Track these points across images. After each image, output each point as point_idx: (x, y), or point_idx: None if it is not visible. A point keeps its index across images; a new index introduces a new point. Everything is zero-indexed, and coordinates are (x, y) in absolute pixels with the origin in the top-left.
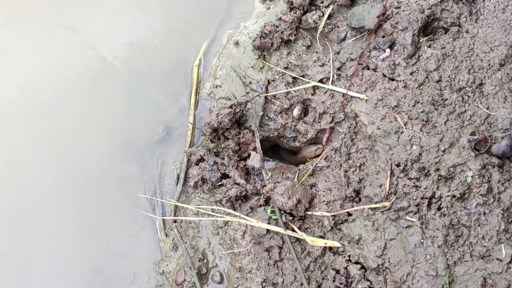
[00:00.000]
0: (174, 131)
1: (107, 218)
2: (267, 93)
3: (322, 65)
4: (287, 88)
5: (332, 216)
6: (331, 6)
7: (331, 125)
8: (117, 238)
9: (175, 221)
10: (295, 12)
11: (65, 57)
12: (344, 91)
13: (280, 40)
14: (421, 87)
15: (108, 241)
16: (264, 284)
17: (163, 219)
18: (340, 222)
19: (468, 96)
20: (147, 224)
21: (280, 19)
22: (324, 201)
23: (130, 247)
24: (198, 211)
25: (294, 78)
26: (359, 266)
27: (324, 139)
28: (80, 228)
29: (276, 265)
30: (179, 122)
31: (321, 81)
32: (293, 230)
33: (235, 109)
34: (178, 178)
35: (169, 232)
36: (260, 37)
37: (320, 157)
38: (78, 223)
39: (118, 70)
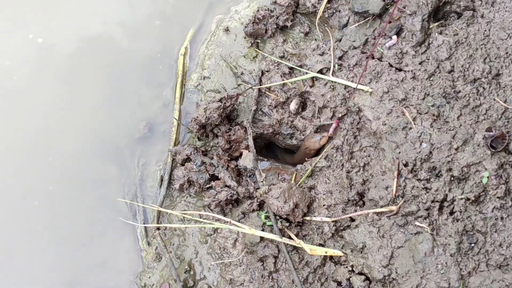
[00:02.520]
0: (157, 127)
1: (82, 225)
2: (260, 85)
3: (322, 54)
4: (283, 80)
5: (333, 221)
6: None
7: (340, 115)
8: (93, 247)
9: (158, 229)
10: None
11: (35, 40)
12: (347, 82)
13: (275, 26)
14: (431, 78)
15: (83, 251)
16: None
17: (144, 227)
18: (342, 228)
19: (483, 88)
20: (127, 232)
21: (275, 2)
22: (324, 205)
23: (108, 257)
24: (184, 217)
25: (290, 68)
26: (363, 277)
27: (331, 130)
28: (52, 237)
29: (271, 277)
30: (162, 117)
31: (320, 71)
32: (290, 238)
33: (225, 103)
34: (161, 180)
35: (152, 240)
36: (253, 23)
37: (320, 156)
38: (50, 230)
39: (95, 58)
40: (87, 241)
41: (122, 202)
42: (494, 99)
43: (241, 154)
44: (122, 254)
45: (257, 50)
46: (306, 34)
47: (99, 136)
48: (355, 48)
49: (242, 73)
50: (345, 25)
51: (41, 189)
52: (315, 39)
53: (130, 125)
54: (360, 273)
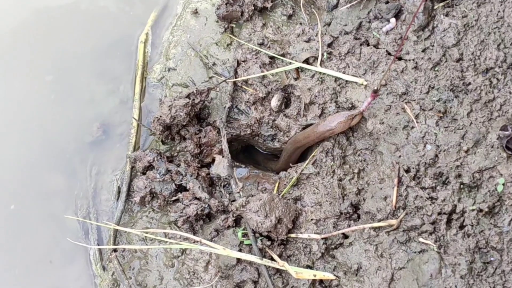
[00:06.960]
0: (113, 129)
1: (24, 247)
2: (236, 77)
3: (308, 41)
4: (262, 71)
5: (322, 239)
6: None
7: (376, 88)
8: (38, 273)
9: (115, 250)
10: None
11: None
12: (338, 74)
13: (253, 8)
14: (436, 68)
15: (26, 278)
16: None
17: (99, 248)
18: (333, 247)
19: (497, 79)
20: (78, 255)
21: None
22: (312, 219)
23: (55, 285)
24: (146, 236)
25: (271, 57)
26: None
27: (364, 105)
28: None
29: None
30: (119, 117)
31: (307, 61)
32: (272, 259)
33: (194, 100)
34: (118, 192)
35: (108, 264)
36: (226, 4)
37: (307, 161)
38: None
39: (37, 47)
40: (30, 266)
41: (71, 220)
42: (510, 92)
43: (213, 160)
44: (71, 281)
45: (231, 36)
46: (290, 17)
47: (43, 140)
48: (347, 33)
49: (214, 64)
50: (335, 6)
51: None
52: (300, 23)
53: (81, 127)
54: None
